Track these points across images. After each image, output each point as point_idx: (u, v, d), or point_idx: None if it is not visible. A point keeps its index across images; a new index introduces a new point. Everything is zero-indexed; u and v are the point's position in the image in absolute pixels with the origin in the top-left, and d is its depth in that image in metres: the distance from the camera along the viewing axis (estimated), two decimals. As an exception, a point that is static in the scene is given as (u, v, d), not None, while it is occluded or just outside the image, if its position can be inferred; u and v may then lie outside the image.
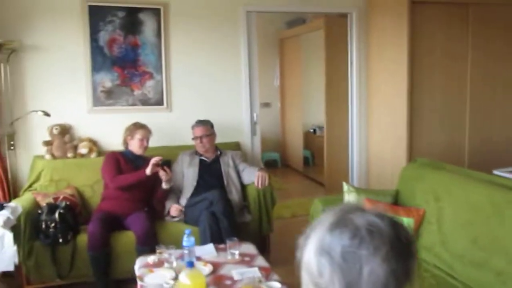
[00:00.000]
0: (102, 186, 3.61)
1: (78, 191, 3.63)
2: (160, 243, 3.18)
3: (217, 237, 3.11)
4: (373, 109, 4.69)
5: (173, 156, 3.89)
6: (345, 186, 3.07)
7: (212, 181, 3.60)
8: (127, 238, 3.22)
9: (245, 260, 2.66)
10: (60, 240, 3.07)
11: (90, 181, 3.68)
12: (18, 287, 3.08)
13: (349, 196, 3.02)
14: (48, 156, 3.67)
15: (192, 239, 2.62)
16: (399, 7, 4.18)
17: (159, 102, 4.07)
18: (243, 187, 3.72)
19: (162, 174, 3.35)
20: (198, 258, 2.66)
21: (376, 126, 4.67)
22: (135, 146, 3.57)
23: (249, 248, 2.84)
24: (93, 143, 3.89)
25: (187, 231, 2.62)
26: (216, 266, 2.58)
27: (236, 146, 4.23)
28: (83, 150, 3.75)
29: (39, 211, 3.13)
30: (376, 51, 4.60)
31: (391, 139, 4.41)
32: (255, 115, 4.40)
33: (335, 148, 6.25)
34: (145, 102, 4.03)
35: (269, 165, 7.15)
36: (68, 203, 3.27)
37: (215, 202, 3.21)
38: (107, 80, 3.91)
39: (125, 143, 3.65)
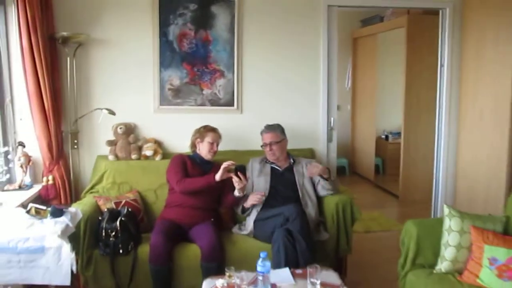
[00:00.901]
0: (167, 192, 3.35)
1: (140, 196, 3.38)
2: (226, 260, 2.88)
3: (292, 260, 2.74)
4: (466, 118, 4.12)
5: (241, 162, 3.55)
6: (446, 209, 2.59)
7: (286, 193, 3.23)
8: (192, 252, 2.91)
9: (328, 293, 2.26)
10: (121, 251, 2.81)
11: (153, 185, 3.42)
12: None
13: (451, 222, 2.54)
14: (111, 157, 3.45)
15: (268, 264, 2.25)
16: (506, 2, 3.61)
17: (230, 103, 3.76)
18: (319, 200, 3.32)
19: (235, 181, 3.02)
20: (274, 286, 2.30)
21: (469, 138, 4.09)
22: (204, 150, 3.27)
23: (331, 276, 2.44)
24: (158, 144, 3.64)
25: (262, 254, 2.26)
26: (295, 298, 2.20)
27: (310, 154, 3.84)
28: (148, 152, 3.50)
29: (100, 218, 2.89)
30: (472, 51, 4.03)
31: (487, 155, 3.83)
32: (332, 119, 3.98)
33: (413, 157, 5.72)
34: (214, 102, 3.73)
35: (337, 172, 6.68)
36: (130, 209, 3.01)
37: (291, 219, 2.82)
38: (175, 77, 3.64)
39: (193, 146, 3.36)
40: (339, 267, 3.25)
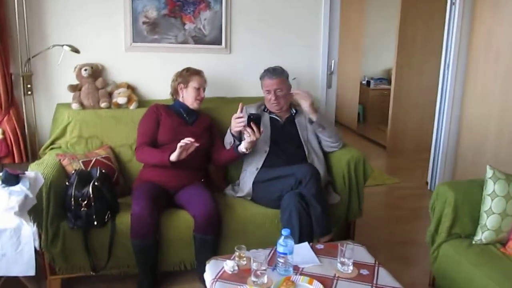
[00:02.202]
0: (145, 147, 2.80)
1: (113, 152, 2.80)
2: (224, 230, 2.42)
3: (306, 229, 2.31)
4: (477, 64, 3.71)
5: (231, 112, 3.02)
6: (490, 171, 2.20)
7: (289, 149, 2.74)
8: (182, 222, 2.42)
9: (363, 275, 1.85)
10: (95, 223, 2.28)
11: (129, 139, 2.84)
12: (39, 278, 2.32)
13: (496, 185, 2.15)
14: (75, 105, 2.82)
15: (292, 244, 1.80)
16: None
17: (217, 41, 3.15)
18: (325, 156, 2.87)
19: (248, 133, 2.48)
20: (296, 268, 1.86)
21: (479, 86, 3.70)
22: (189, 98, 2.71)
23: (360, 252, 2.03)
24: (132, 90, 3.02)
25: (285, 232, 1.79)
26: (326, 284, 1.77)
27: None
28: (120, 99, 2.89)
29: (67, 183, 2.31)
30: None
31: (501, 106, 3.46)
32: (333, 62, 3.47)
33: (403, 104, 5.34)
34: (198, 39, 3.11)
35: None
36: (103, 170, 2.45)
37: (305, 182, 2.36)
38: (151, 8, 2.98)
39: (175, 92, 2.79)
40: (347, 233, 2.88)
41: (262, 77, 2.90)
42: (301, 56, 3.37)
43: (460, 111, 3.89)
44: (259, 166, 2.68)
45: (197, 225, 2.36)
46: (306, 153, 2.75)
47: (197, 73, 2.76)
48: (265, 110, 2.91)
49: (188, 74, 2.73)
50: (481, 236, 2.18)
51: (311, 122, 2.74)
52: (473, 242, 2.20)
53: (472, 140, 3.78)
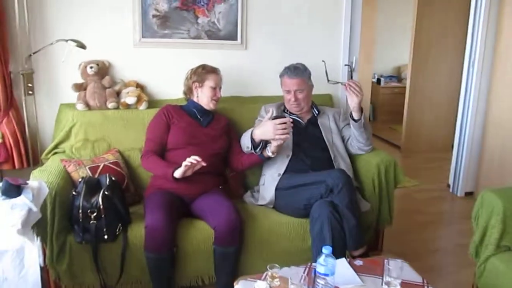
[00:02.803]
0: (156, 151, 2.59)
1: (122, 157, 2.58)
2: (245, 241, 2.21)
3: (339, 242, 2.09)
4: (506, 58, 3.49)
5: (247, 112, 2.82)
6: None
7: (313, 153, 2.53)
8: (200, 233, 2.21)
9: (413, 298, 1.63)
10: (106, 237, 2.06)
11: (138, 142, 2.62)
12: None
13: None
14: (80, 106, 2.59)
15: (333, 263, 1.58)
16: None
17: (232, 36, 2.93)
18: (351, 160, 2.65)
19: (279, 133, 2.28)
20: (336, 290, 1.64)
21: (506, 82, 3.49)
22: (204, 97, 2.50)
23: (405, 270, 1.81)
24: (142, 89, 2.80)
25: (326, 250, 1.57)
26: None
27: (328, 100, 3.12)
28: (129, 99, 2.67)
29: (74, 192, 2.09)
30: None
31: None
32: (354, 59, 3.25)
33: (419, 102, 5.12)
34: (212, 34, 2.89)
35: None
36: (113, 178, 2.22)
37: (337, 190, 2.14)
38: (162, 0, 2.75)
39: (189, 92, 2.57)
40: (376, 242, 2.67)
41: (281, 75, 2.68)
42: (321, 52, 3.14)
43: (485, 108, 3.68)
44: (282, 172, 2.46)
45: (217, 237, 2.14)
46: (332, 156, 2.53)
47: (214, 71, 2.54)
48: (285, 110, 2.70)
49: (204, 72, 2.51)
50: (533, 248, 1.97)
51: (355, 120, 2.48)
52: (525, 255, 1.99)
53: (498, 140, 3.56)
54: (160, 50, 2.83)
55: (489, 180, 3.67)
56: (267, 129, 2.29)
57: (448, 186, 4.01)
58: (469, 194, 3.86)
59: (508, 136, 3.47)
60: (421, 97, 5.05)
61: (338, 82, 2.55)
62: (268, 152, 2.35)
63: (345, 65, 3.19)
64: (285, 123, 2.26)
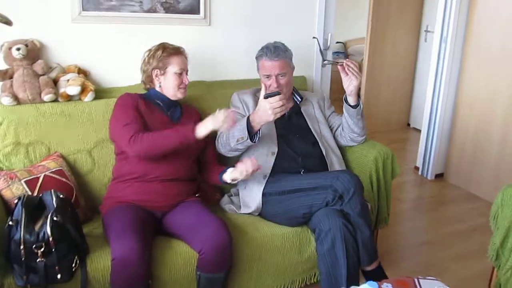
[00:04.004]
0: (110, 152, 2.10)
1: (67, 163, 2.05)
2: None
3: (354, 259, 1.75)
4: (479, 36, 3.31)
5: (217, 100, 2.38)
6: None
7: (302, 148, 2.15)
8: (178, 259, 1.77)
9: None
10: (59, 276, 1.56)
11: (86, 143, 2.11)
12: None
13: None
14: (6, 99, 2.01)
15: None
16: None
17: (193, 9, 2.44)
18: (342, 153, 2.32)
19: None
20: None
21: (481, 61, 3.32)
22: (170, 87, 2.02)
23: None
24: (85, 75, 2.25)
25: (371, 285, 1.22)
26: None
27: (302, 84, 2.76)
28: (71, 89, 2.11)
29: (10, 222, 1.55)
30: None
31: (508, 84, 3.10)
32: (329, 35, 2.89)
33: (377, 79, 4.88)
34: (170, 7, 2.38)
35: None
36: (61, 195, 1.71)
37: (347, 196, 1.78)
38: (106, -37, 2.20)
39: (149, 80, 2.07)
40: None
41: (258, 57, 2.27)
42: (294, 28, 2.75)
43: (457, 88, 3.51)
44: (268, 173, 2.06)
45: (203, 263, 1.72)
46: (324, 151, 2.18)
47: (177, 52, 2.05)
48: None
49: (164, 56, 2.01)
50: None
51: (355, 106, 2.15)
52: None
53: (472, 120, 3.41)
54: (105, 27, 2.28)
55: (460, 161, 3.54)
56: (264, 111, 1.88)
57: (417, 168, 3.84)
58: (439, 176, 3.71)
59: (482, 116, 3.32)
60: (379, 74, 4.84)
61: (335, 62, 2.17)
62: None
63: (313, 37, 2.80)
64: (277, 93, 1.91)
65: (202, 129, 1.80)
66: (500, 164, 3.22)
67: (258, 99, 2.28)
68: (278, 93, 1.91)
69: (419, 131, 4.54)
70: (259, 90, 2.35)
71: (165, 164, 1.91)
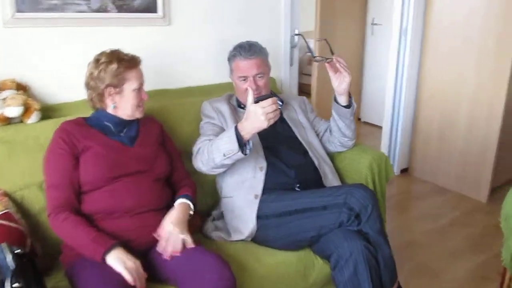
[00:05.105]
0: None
1: (14, 202, 1.65)
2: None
3: (376, 283, 1.54)
4: (437, 25, 3.26)
5: (183, 111, 2.09)
6: None
7: (294, 159, 1.91)
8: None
9: None
10: None
11: (34, 175, 1.71)
12: None
13: None
14: None
15: None
16: None
17: (150, 7, 2.10)
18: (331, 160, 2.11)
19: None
20: None
21: (441, 52, 3.27)
22: (127, 107, 1.66)
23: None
24: (25, 91, 1.84)
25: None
26: None
27: (272, 85, 2.51)
28: (11, 110, 1.71)
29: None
30: None
31: (475, 73, 3.07)
32: (296, 31, 2.67)
33: (324, 77, 4.74)
34: (123, 6, 2.03)
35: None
36: (18, 250, 1.32)
37: (366, 214, 1.56)
38: (44, -47, 1.81)
39: (100, 99, 1.68)
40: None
41: (231, 58, 2.00)
42: (260, 26, 2.51)
43: (418, 80, 3.44)
44: (259, 192, 1.80)
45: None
46: (316, 161, 1.95)
47: (134, 63, 1.67)
48: (241, 106, 2.03)
49: (120, 71, 1.63)
50: None
51: (347, 106, 1.94)
52: None
53: (435, 113, 3.36)
54: (46, 31, 1.89)
55: (426, 155, 3.49)
56: (256, 117, 1.58)
57: (380, 165, 3.75)
58: (404, 171, 3.65)
59: (446, 108, 3.28)
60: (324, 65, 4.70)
61: (326, 59, 1.93)
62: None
63: (296, 34, 2.59)
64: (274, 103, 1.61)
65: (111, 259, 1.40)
66: (466, 154, 3.19)
67: (234, 106, 2.05)
68: (269, 96, 1.65)
69: (372, 125, 4.52)
70: (232, 95, 2.10)
71: (130, 195, 1.58)
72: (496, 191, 3.22)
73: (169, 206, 1.74)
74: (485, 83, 3.00)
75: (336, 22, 4.53)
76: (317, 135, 2.10)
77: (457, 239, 2.70)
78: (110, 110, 1.67)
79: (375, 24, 4.59)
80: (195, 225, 1.91)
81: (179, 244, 1.52)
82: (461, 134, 3.21)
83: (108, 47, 1.70)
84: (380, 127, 3.76)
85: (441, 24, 3.21)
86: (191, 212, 1.67)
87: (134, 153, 1.66)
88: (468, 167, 3.20)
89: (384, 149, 3.66)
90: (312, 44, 4.24)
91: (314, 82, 4.57)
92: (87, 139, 1.60)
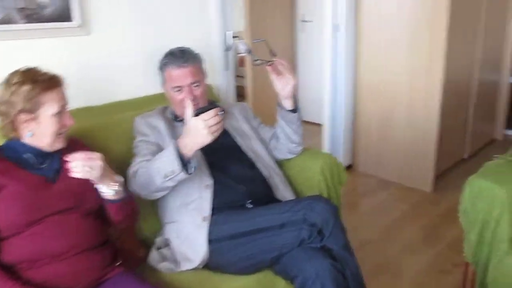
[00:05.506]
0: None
1: None
2: None
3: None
4: (369, 17, 3.24)
5: (113, 129, 1.87)
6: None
7: (242, 173, 1.76)
8: None
9: None
10: None
11: None
12: None
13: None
14: None
15: None
16: None
17: (64, 15, 1.85)
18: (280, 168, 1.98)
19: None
20: None
21: (375, 47, 3.26)
22: (45, 135, 1.42)
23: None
24: None
25: None
26: None
27: (209, 92, 2.33)
28: None
29: None
30: None
31: (411, 68, 3.09)
32: (228, 35, 2.51)
33: (257, 77, 4.64)
34: (33, 14, 1.77)
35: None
36: None
37: (328, 229, 1.43)
38: None
39: (11, 128, 1.43)
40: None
41: (163, 67, 1.82)
42: (190, 31, 2.33)
43: (355, 74, 3.41)
44: (207, 214, 1.62)
45: None
46: (265, 172, 1.81)
47: (53, 84, 1.41)
48: (177, 119, 1.85)
49: (34, 93, 1.38)
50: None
51: (294, 111, 1.82)
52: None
53: (374, 106, 3.35)
54: None
55: (368, 149, 3.48)
56: (198, 132, 1.41)
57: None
58: (348, 168, 3.61)
59: (384, 103, 3.28)
60: (260, 68, 4.58)
61: (267, 61, 1.78)
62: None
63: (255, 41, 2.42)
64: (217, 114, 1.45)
65: None
66: (408, 146, 3.21)
67: (170, 119, 1.86)
68: (210, 107, 1.48)
69: (311, 123, 4.46)
70: (166, 108, 1.92)
71: (57, 237, 1.36)
72: (439, 179, 3.26)
73: (105, 241, 1.52)
74: (420, 74, 3.02)
75: (265, 21, 4.43)
76: (263, 143, 1.96)
77: (410, 232, 2.68)
78: (26, 139, 1.42)
79: (305, 21, 4.54)
80: (139, 256, 1.72)
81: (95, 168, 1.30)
82: (401, 127, 3.21)
83: (18, 63, 1.45)
84: (319, 125, 3.71)
85: (372, 18, 3.20)
86: (115, 185, 1.42)
87: (59, 188, 1.42)
88: (411, 158, 3.21)
89: (326, 147, 3.59)
90: (243, 45, 4.13)
91: (249, 84, 4.43)
92: (2, 176, 1.35)
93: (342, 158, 3.54)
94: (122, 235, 1.70)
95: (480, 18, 3.36)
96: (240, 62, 5.60)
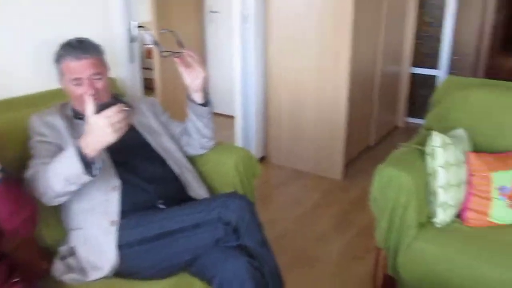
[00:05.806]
0: None
1: None
2: None
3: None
4: (278, 9, 3.25)
5: (3, 129, 1.69)
6: (438, 138, 1.75)
7: (151, 171, 1.66)
8: None
9: None
10: None
11: None
12: None
13: (447, 153, 1.75)
14: None
15: None
16: None
17: None
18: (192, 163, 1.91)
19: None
20: None
21: (283, 38, 3.28)
22: None
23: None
24: None
25: None
26: None
27: (113, 86, 2.19)
28: None
29: None
30: None
31: (318, 59, 3.15)
32: (132, 26, 2.37)
33: (165, 69, 4.49)
34: None
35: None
36: None
37: (243, 226, 1.39)
38: None
39: None
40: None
41: (59, 59, 1.66)
42: (90, 20, 2.16)
43: (265, 68, 3.42)
44: (115, 218, 1.51)
45: None
46: (176, 170, 1.73)
47: None
48: (78, 116, 1.70)
49: None
50: (444, 215, 1.77)
51: (204, 104, 1.75)
52: (438, 226, 1.78)
53: (284, 99, 3.39)
54: None
55: (280, 140, 3.51)
56: (100, 130, 1.31)
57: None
58: (262, 160, 3.63)
59: (294, 94, 3.32)
60: (168, 59, 4.42)
61: (175, 53, 1.68)
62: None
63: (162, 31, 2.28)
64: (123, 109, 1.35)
65: None
66: (318, 135, 3.29)
67: (70, 117, 1.71)
68: (113, 103, 1.36)
69: (222, 115, 4.43)
70: (65, 105, 1.76)
71: None
72: (348, 167, 3.39)
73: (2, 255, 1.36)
74: (328, 66, 3.10)
75: (172, 11, 4.27)
76: (173, 139, 1.87)
77: (323, 221, 2.75)
78: None
79: (214, 11, 4.46)
80: (41, 269, 1.56)
81: None
82: (311, 118, 3.28)
83: None
84: (230, 117, 3.68)
85: (282, 9, 3.21)
86: None
87: None
88: (321, 148, 3.30)
89: (239, 139, 3.58)
90: (150, 36, 3.97)
91: (157, 76, 4.27)
92: None
93: (255, 150, 3.55)
94: (20, 245, 1.53)
95: (382, 13, 3.53)
96: (148, 54, 5.39)
